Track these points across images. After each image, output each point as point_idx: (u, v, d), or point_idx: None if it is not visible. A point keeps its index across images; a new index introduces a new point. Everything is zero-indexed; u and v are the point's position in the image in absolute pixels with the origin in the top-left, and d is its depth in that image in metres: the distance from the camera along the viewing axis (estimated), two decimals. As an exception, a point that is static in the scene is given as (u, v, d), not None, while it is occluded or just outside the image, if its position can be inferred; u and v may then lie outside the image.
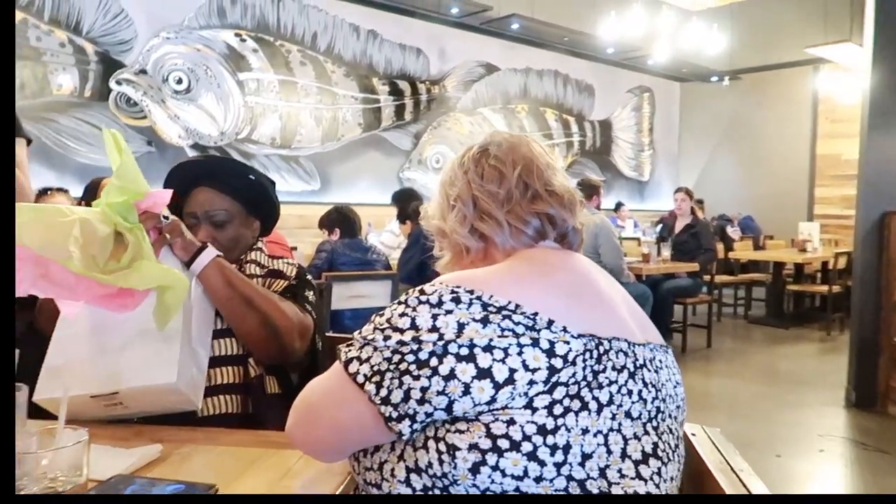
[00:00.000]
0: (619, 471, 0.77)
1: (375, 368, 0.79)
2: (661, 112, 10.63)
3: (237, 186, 1.46)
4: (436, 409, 0.76)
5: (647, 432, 0.80)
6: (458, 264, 0.98)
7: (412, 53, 7.58)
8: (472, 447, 0.75)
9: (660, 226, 6.55)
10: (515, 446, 0.74)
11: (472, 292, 0.79)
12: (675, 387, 0.88)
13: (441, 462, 0.76)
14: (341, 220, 4.05)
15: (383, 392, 0.77)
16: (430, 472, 0.77)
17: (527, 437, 0.74)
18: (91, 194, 3.37)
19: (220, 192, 1.44)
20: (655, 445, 0.81)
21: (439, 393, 0.75)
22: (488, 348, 0.75)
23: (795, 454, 3.35)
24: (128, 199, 1.13)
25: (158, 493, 0.89)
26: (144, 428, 1.19)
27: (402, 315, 0.80)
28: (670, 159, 10.82)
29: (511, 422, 0.74)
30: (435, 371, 0.75)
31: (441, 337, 0.76)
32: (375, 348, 0.80)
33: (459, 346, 0.75)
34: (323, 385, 0.88)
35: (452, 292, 0.79)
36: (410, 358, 0.77)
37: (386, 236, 5.50)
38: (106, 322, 1.17)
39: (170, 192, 1.22)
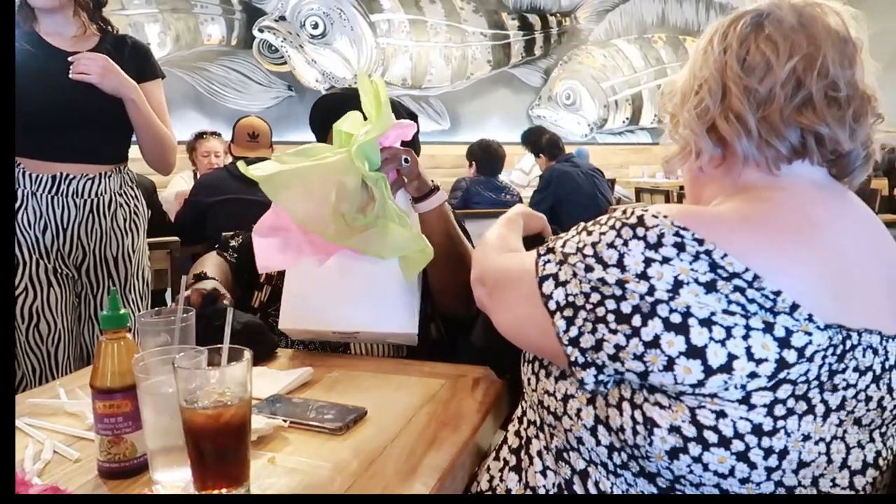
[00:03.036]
0: (833, 480, 0.68)
1: (570, 300, 0.70)
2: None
3: None
4: (627, 370, 0.66)
5: (872, 440, 0.69)
6: (686, 165, 0.82)
7: (543, -17, 7.30)
8: (674, 430, 0.65)
9: None
10: (724, 443, 0.64)
11: (700, 242, 0.64)
12: None
13: (635, 433, 0.68)
14: (480, 156, 3.99)
15: (573, 332, 0.69)
16: (622, 437, 0.70)
17: (739, 435, 0.64)
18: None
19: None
20: (878, 454, 0.70)
21: (635, 357, 0.65)
22: (707, 322, 0.62)
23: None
24: (374, 136, 1.14)
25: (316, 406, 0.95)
26: (297, 353, 1.27)
27: (611, 246, 0.67)
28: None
29: (721, 414, 0.64)
30: (636, 332, 0.64)
31: (651, 290, 0.64)
32: (574, 274, 0.70)
33: (671, 311, 0.63)
34: (514, 286, 0.81)
35: (677, 234, 0.65)
36: (610, 305, 0.66)
37: (515, 175, 5.46)
38: (347, 263, 1.19)
39: (413, 125, 1.23)
